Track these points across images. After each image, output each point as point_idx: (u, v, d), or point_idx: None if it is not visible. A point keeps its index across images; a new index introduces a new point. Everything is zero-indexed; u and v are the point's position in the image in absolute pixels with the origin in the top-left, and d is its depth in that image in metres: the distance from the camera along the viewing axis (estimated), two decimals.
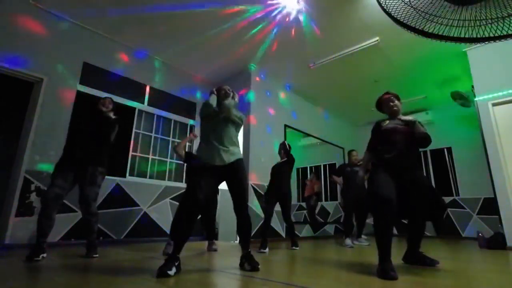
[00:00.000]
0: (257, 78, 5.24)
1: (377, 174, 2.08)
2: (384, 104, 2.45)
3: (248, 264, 1.99)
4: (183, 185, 4.85)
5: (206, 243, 3.50)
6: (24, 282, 1.58)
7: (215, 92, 2.33)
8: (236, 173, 2.10)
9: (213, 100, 2.25)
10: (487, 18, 2.22)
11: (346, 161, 5.76)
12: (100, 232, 3.76)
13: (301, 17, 3.90)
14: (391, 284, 1.56)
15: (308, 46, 4.54)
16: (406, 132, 2.20)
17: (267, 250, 3.28)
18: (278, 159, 4.06)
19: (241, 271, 1.94)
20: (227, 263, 2.37)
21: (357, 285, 1.56)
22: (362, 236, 4.51)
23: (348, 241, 3.96)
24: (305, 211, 6.44)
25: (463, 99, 5.16)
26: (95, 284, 1.53)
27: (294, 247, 3.54)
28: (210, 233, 3.42)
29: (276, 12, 3.82)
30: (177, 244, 1.86)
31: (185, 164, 3.41)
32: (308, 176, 7.08)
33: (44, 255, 2.34)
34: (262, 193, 4.72)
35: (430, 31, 2.34)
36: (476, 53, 4.33)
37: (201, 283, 1.58)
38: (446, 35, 2.30)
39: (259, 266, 1.99)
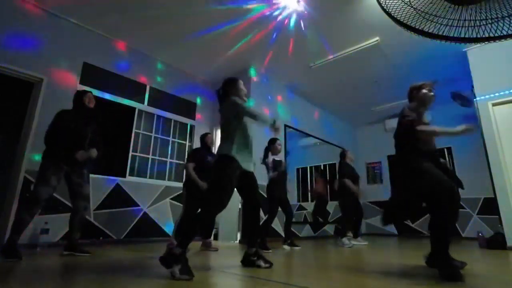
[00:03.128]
0: (255, 79, 5.23)
1: (435, 169, 1.87)
2: (426, 92, 2.12)
3: (264, 261, 2.08)
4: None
5: (201, 242, 3.52)
6: (24, 282, 1.58)
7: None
8: (255, 181, 2.20)
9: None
10: (487, 18, 2.22)
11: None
12: (100, 232, 3.77)
13: (301, 17, 3.90)
14: (391, 284, 1.56)
15: (308, 46, 4.54)
16: None
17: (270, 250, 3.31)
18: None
19: (240, 271, 1.94)
20: (228, 263, 2.37)
21: (357, 285, 1.56)
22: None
23: (346, 240, 3.95)
24: (305, 211, 6.42)
25: (463, 99, 5.16)
26: (95, 284, 1.53)
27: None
28: (210, 230, 3.46)
29: (276, 12, 3.81)
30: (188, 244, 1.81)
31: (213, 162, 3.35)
32: (308, 175, 7.07)
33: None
34: (262, 193, 4.71)
35: (430, 31, 2.34)
36: (476, 53, 4.32)
37: (202, 283, 1.58)
38: (446, 35, 2.30)
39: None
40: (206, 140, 3.52)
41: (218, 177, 1.93)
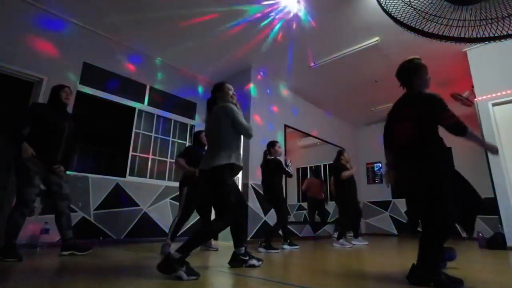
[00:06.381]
0: (259, 76, 5.24)
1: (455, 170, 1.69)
2: (427, 72, 1.84)
3: (256, 260, 2.10)
4: None
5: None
6: (25, 283, 1.58)
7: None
8: (235, 182, 2.22)
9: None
10: (487, 18, 2.22)
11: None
12: (100, 232, 3.77)
13: (301, 17, 3.90)
14: (390, 284, 1.56)
15: (308, 46, 4.54)
16: None
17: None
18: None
19: (240, 271, 1.94)
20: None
21: (357, 285, 1.56)
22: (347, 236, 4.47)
23: (343, 241, 3.94)
24: (305, 211, 6.42)
25: (462, 100, 5.16)
26: (96, 284, 1.53)
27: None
28: None
29: (276, 12, 3.81)
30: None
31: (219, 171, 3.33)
32: (308, 175, 7.07)
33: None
34: (262, 193, 4.72)
35: (430, 31, 2.34)
36: (476, 53, 4.32)
37: (202, 282, 1.58)
38: (446, 35, 2.30)
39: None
40: (200, 137, 3.43)
41: (224, 190, 1.88)
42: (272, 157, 3.74)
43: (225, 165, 1.90)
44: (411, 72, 1.84)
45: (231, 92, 2.21)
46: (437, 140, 1.69)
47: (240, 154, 2.06)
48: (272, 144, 3.79)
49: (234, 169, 1.95)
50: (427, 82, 1.81)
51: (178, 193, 3.25)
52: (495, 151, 1.79)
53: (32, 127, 2.52)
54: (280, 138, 5.38)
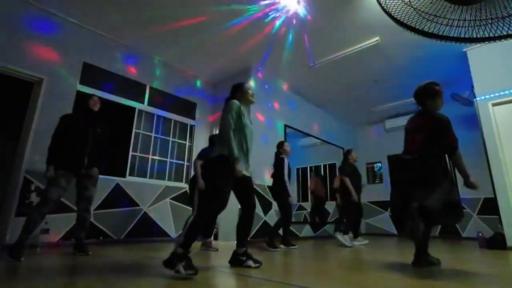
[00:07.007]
0: (259, 75, 5.24)
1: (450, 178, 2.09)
2: (440, 97, 2.19)
3: (253, 261, 2.09)
4: (183, 185, 4.85)
5: (201, 242, 3.56)
6: (25, 283, 1.58)
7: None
8: (251, 183, 2.20)
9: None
10: (487, 18, 2.22)
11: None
12: (100, 232, 3.78)
13: (301, 17, 3.90)
14: (391, 284, 1.56)
15: (308, 46, 4.54)
16: None
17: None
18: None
19: (240, 271, 1.94)
20: (228, 263, 2.37)
21: (357, 285, 1.56)
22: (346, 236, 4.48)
23: (347, 238, 3.94)
24: (305, 211, 6.43)
25: (462, 101, 5.16)
26: (96, 284, 1.53)
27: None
28: (210, 230, 3.56)
29: (276, 12, 3.81)
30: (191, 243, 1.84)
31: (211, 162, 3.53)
32: (308, 175, 7.07)
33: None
34: (262, 193, 4.73)
35: (430, 31, 2.34)
36: (476, 53, 4.32)
37: (202, 282, 1.58)
38: (446, 35, 2.30)
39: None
40: (215, 140, 3.53)
41: (218, 178, 1.94)
42: (282, 156, 3.82)
43: (217, 156, 1.97)
44: (427, 94, 2.15)
45: (250, 92, 2.29)
46: (437, 154, 2.06)
47: (243, 157, 2.08)
48: (280, 144, 3.94)
49: (225, 160, 1.95)
50: (439, 106, 2.14)
51: (189, 191, 3.35)
52: (472, 186, 2.22)
53: (62, 140, 2.67)
54: (278, 137, 5.38)
